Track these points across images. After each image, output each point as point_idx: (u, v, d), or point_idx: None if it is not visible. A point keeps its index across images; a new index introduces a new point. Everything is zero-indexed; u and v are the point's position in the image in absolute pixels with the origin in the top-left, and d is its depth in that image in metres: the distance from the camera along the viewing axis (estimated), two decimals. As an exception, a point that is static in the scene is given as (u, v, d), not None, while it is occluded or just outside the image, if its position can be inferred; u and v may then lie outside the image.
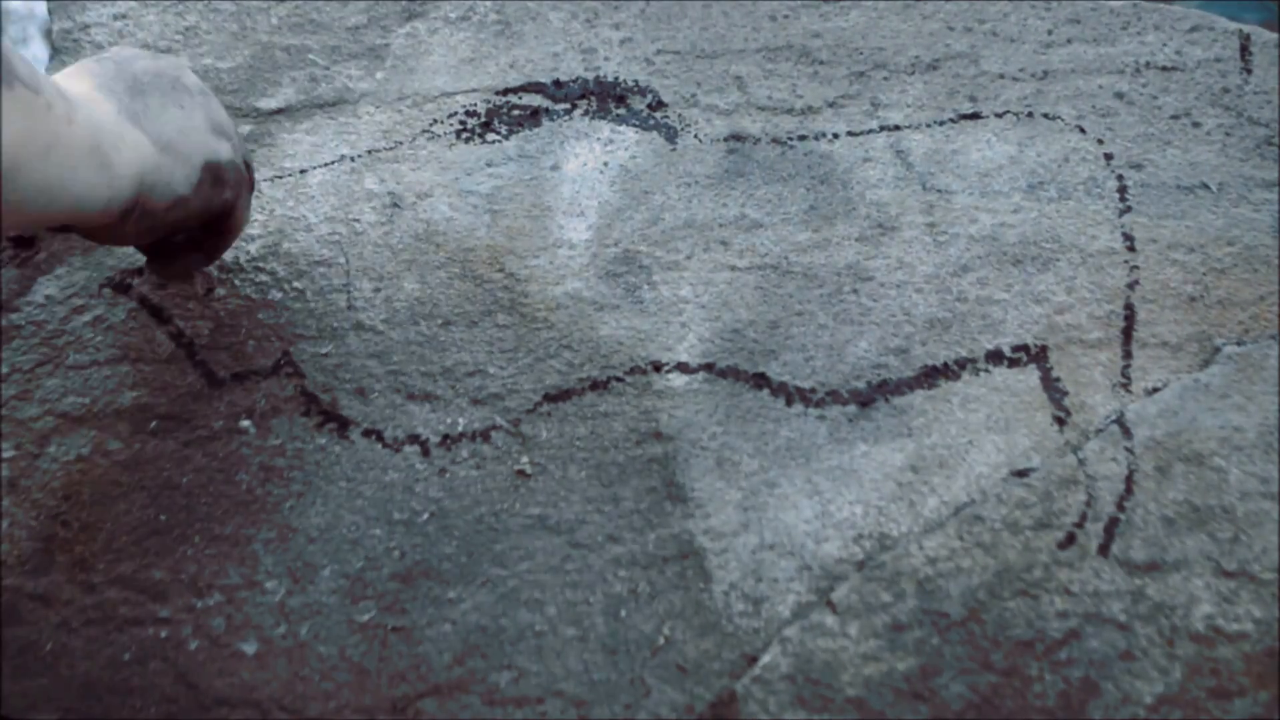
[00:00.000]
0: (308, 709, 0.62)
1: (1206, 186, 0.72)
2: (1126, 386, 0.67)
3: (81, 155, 0.52)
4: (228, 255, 0.73)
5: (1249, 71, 0.76)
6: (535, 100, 0.77)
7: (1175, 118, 0.75)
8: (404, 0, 0.82)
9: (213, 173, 0.62)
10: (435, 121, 0.77)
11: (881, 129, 0.75)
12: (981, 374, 0.68)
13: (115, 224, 0.57)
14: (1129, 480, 0.64)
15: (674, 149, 0.75)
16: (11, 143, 0.47)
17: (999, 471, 0.65)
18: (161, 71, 0.61)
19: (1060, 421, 0.66)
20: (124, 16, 0.81)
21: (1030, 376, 0.67)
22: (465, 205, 0.74)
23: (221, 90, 0.78)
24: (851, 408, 0.67)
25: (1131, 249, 0.71)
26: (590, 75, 0.78)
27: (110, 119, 0.56)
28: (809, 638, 0.61)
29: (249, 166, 0.68)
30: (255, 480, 0.67)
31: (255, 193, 0.75)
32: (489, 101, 0.77)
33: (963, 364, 0.68)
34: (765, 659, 0.61)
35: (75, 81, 0.57)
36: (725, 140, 0.75)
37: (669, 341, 0.69)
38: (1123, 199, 0.72)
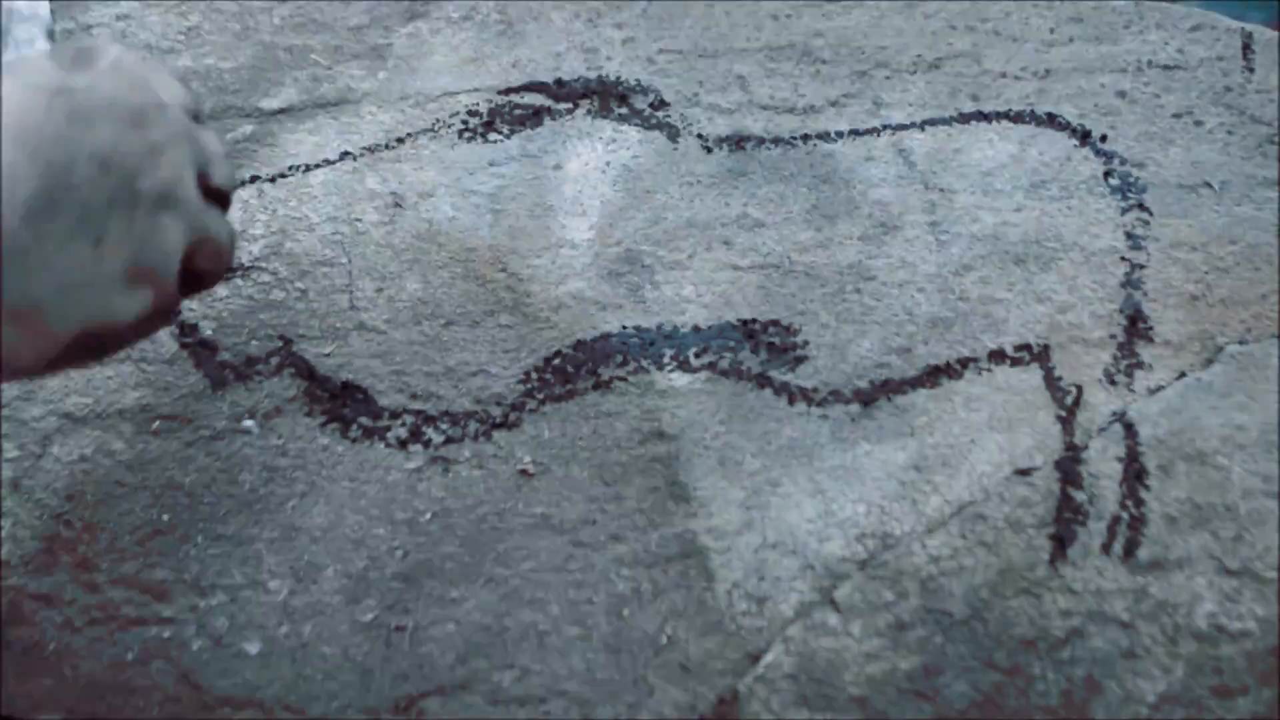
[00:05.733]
0: (311, 709, 0.62)
1: (1209, 185, 0.72)
2: (1129, 385, 0.67)
3: None
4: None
5: (1251, 70, 0.76)
6: (537, 100, 0.77)
7: (1177, 116, 0.75)
8: (406, 0, 0.82)
9: (91, 340, 0.44)
10: (438, 121, 0.77)
11: (884, 128, 0.75)
12: (984, 373, 0.68)
13: None
14: (1132, 479, 0.64)
15: (676, 148, 0.75)
16: None
17: (1001, 470, 0.65)
18: (112, 164, 0.43)
19: (1063, 420, 0.66)
20: (126, 17, 0.81)
21: (1033, 375, 0.67)
22: (467, 205, 0.74)
23: (224, 90, 0.78)
24: (854, 407, 0.67)
25: (1134, 248, 0.70)
26: (592, 75, 0.78)
27: None
28: (812, 637, 0.61)
29: (218, 246, 0.48)
30: (258, 480, 0.67)
31: (259, 192, 0.75)
32: (491, 101, 0.77)
33: (965, 363, 0.68)
34: (768, 658, 0.61)
35: None
36: (727, 139, 0.75)
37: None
38: (1125, 198, 0.72)
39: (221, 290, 0.72)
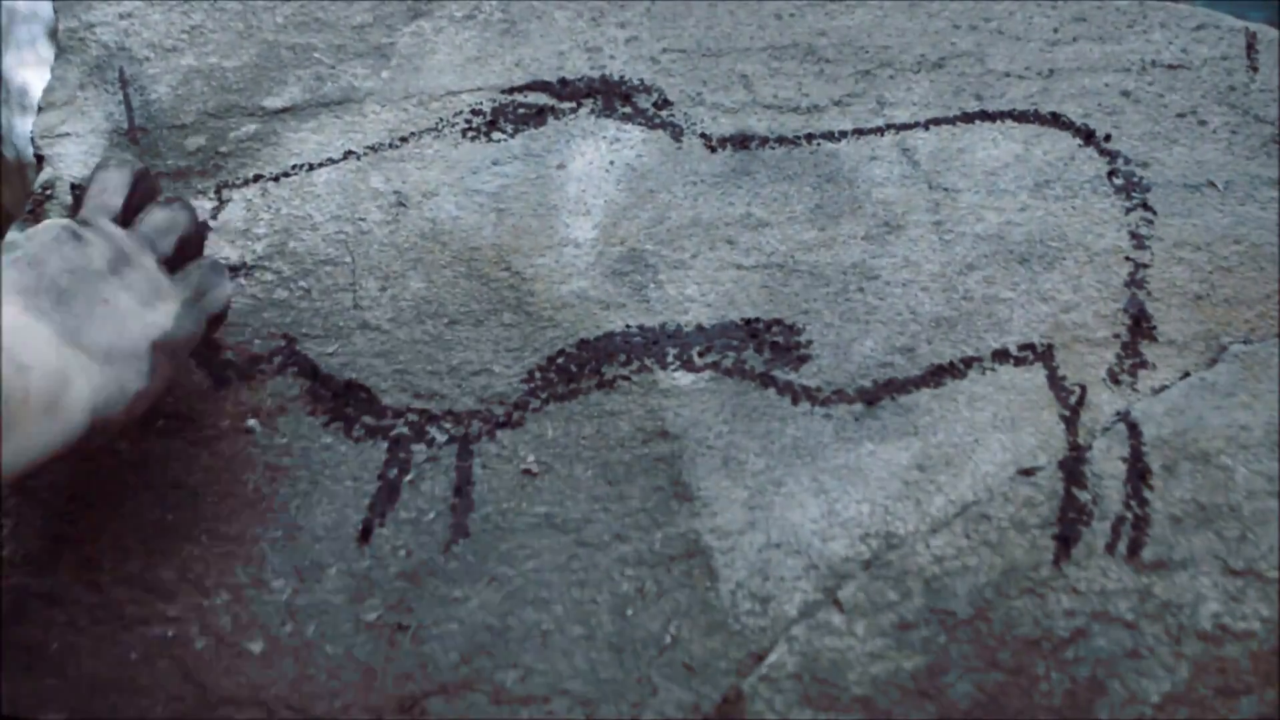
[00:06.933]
0: (314, 708, 0.62)
1: (1213, 184, 0.72)
2: (1133, 385, 0.67)
3: (37, 418, 0.47)
4: (233, 255, 0.73)
5: (1255, 69, 0.76)
6: (541, 99, 0.77)
7: (1181, 116, 0.75)
8: (409, -1, 0.82)
9: (166, 350, 0.56)
10: (441, 120, 0.77)
11: (888, 127, 0.75)
12: (988, 373, 0.68)
13: (79, 448, 0.53)
14: (1136, 479, 0.64)
15: (680, 147, 0.75)
16: None
17: (1005, 470, 0.65)
18: (74, 265, 0.55)
19: (1066, 420, 0.66)
20: (129, 15, 0.81)
21: (1036, 375, 0.67)
22: (471, 204, 0.74)
23: (227, 89, 0.78)
24: (858, 406, 0.67)
25: (1138, 247, 0.70)
26: (596, 74, 0.78)
27: (52, 354, 0.50)
28: (816, 636, 0.61)
29: (196, 236, 0.64)
30: (262, 479, 0.67)
31: (262, 191, 0.75)
32: (495, 100, 0.77)
33: (969, 362, 0.68)
34: (772, 658, 0.61)
35: (7, 308, 0.51)
36: (731, 139, 0.75)
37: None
38: (1129, 197, 0.72)
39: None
